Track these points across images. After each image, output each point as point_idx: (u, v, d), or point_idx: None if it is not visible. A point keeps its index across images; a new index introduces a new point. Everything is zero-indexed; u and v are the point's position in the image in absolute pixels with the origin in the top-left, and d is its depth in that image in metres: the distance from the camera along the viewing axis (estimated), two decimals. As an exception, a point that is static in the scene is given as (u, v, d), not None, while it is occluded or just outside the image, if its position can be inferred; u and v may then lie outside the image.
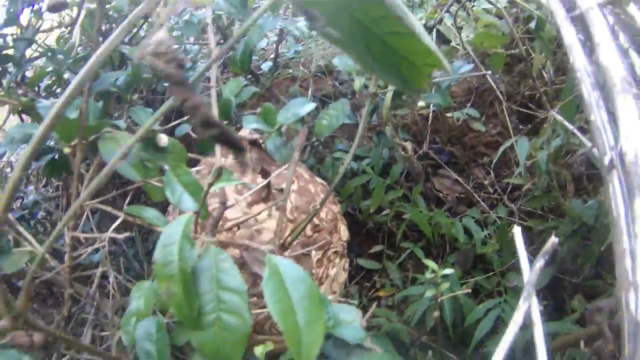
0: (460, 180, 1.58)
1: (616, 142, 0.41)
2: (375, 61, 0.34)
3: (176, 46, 0.25)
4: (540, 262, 0.48)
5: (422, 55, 0.35)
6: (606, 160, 0.39)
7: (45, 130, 0.31)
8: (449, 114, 1.55)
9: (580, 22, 0.72)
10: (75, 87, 0.28)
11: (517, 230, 0.55)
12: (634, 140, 0.36)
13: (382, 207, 1.52)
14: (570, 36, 0.50)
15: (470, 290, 1.18)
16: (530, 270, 0.47)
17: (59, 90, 1.24)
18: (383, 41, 0.34)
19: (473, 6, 1.46)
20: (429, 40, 0.34)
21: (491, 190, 1.56)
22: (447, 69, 0.35)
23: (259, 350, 0.56)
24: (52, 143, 1.26)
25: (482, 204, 1.51)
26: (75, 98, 0.31)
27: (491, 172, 1.57)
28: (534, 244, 1.32)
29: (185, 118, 0.97)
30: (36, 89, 1.23)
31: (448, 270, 0.93)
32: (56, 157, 1.13)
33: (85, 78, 0.28)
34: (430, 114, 1.61)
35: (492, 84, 1.15)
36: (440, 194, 1.60)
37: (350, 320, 0.61)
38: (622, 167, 0.36)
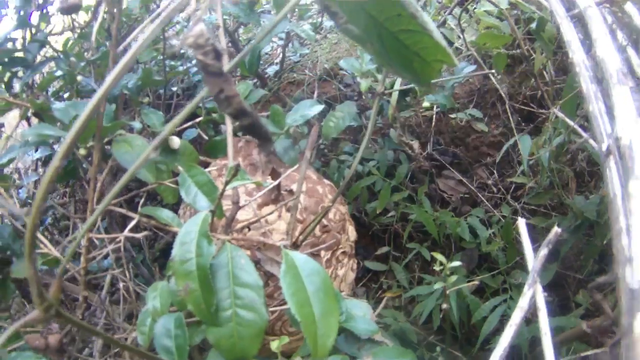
0: (464, 181, 1.59)
1: (612, 129, 0.43)
2: (390, 56, 0.36)
3: (213, 39, 0.26)
4: (544, 251, 0.50)
5: (432, 51, 0.37)
6: (604, 147, 0.41)
7: (79, 131, 0.32)
8: (452, 115, 1.57)
9: (579, 22, 0.74)
10: (107, 88, 0.29)
11: (521, 222, 0.57)
12: (628, 127, 0.38)
13: (388, 209, 1.53)
14: (569, 33, 0.52)
15: (478, 282, 1.19)
16: (534, 258, 0.48)
17: (66, 95, 1.26)
18: (396, 38, 0.36)
19: (475, 8, 1.48)
20: (440, 37, 0.35)
21: (495, 190, 1.57)
22: (457, 65, 0.36)
23: (274, 345, 0.57)
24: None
25: (486, 203, 1.52)
26: (105, 98, 0.32)
27: (494, 172, 1.59)
28: (537, 241, 1.33)
29: (196, 121, 0.98)
30: (44, 93, 1.25)
31: (456, 263, 0.94)
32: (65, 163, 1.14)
33: (117, 78, 0.29)
34: (434, 116, 1.62)
35: (495, 83, 1.16)
36: (445, 195, 1.61)
37: (362, 314, 0.62)
38: (618, 153, 0.38)
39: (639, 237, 0.32)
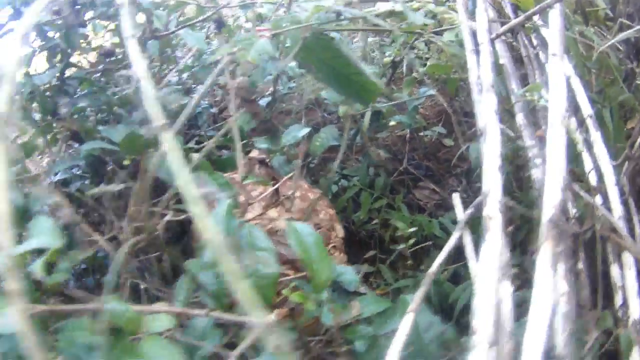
0: (437, 190, 1.84)
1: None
2: (344, 90, 0.61)
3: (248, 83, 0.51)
4: (470, 210, 0.74)
5: (371, 85, 0.62)
6: (479, 131, 0.66)
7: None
8: (421, 133, 1.82)
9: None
10: (185, 116, 0.54)
11: (455, 196, 0.81)
12: (488, 116, 0.63)
13: (372, 217, 1.77)
14: (471, 61, 0.77)
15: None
16: (463, 212, 0.73)
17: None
18: (349, 78, 0.61)
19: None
20: (372, 75, 0.61)
21: (465, 195, 1.82)
22: (385, 92, 0.61)
23: (285, 291, 0.80)
24: (79, 172, 1.50)
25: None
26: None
27: (463, 179, 1.84)
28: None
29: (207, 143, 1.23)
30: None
31: (413, 228, 1.28)
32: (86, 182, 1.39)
33: (189, 110, 0.54)
34: (408, 135, 1.88)
35: (443, 102, 1.42)
36: (421, 202, 1.86)
37: (349, 271, 0.86)
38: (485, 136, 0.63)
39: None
